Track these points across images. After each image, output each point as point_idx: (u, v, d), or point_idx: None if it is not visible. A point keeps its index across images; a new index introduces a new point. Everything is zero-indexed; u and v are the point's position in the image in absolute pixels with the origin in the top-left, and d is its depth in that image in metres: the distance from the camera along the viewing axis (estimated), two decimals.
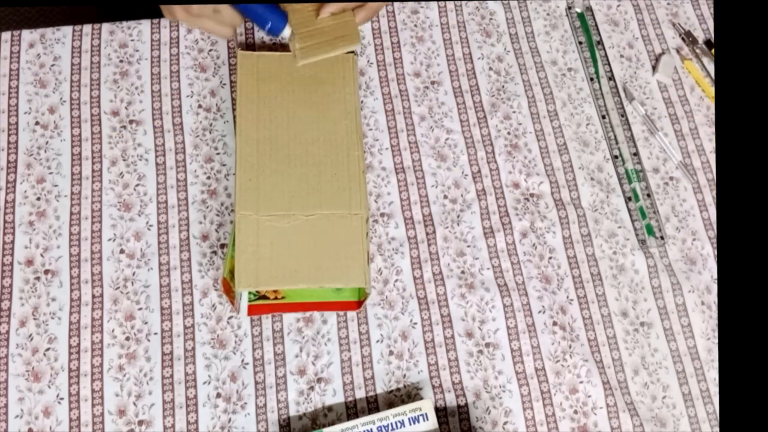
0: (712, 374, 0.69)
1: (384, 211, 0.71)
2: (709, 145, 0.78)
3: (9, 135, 0.71)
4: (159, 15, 0.77)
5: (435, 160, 0.74)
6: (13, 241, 0.68)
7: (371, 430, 0.61)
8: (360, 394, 0.65)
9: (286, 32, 0.66)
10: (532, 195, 0.73)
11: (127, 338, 0.65)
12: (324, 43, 0.68)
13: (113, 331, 0.65)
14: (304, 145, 0.68)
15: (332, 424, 0.63)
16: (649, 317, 0.70)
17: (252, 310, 0.67)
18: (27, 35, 0.75)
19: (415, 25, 0.79)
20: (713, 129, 0.78)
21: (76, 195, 0.69)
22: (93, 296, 0.66)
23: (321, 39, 0.69)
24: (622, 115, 0.78)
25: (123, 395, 0.63)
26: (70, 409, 0.63)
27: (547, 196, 0.73)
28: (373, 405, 0.65)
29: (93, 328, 0.65)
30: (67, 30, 0.76)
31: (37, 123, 0.72)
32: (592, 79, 0.79)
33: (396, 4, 0.80)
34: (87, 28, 0.76)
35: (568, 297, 0.70)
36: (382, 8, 0.73)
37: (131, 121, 0.73)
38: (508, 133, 0.76)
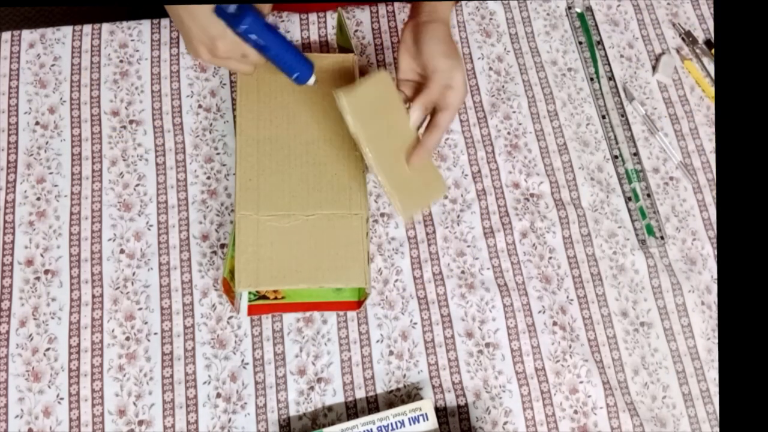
0: (712, 374, 0.69)
1: (384, 211, 0.71)
2: (709, 145, 0.78)
3: (9, 135, 0.71)
4: (159, 15, 0.77)
5: (435, 160, 0.74)
6: (13, 241, 0.68)
7: (371, 430, 0.61)
8: (360, 394, 0.65)
9: (311, 81, 0.66)
10: (532, 195, 0.73)
11: (127, 338, 0.65)
12: (421, 198, 0.66)
13: (113, 331, 0.65)
14: (304, 145, 0.68)
15: (332, 424, 0.63)
16: (649, 317, 0.70)
17: (252, 310, 0.67)
18: (27, 35, 0.75)
19: None
20: (713, 129, 0.78)
21: (76, 195, 0.70)
22: (93, 296, 0.66)
23: (415, 190, 0.64)
24: (622, 115, 0.78)
25: (123, 395, 0.64)
26: (70, 409, 0.63)
27: (547, 196, 0.73)
28: (373, 405, 0.65)
29: (93, 328, 0.65)
30: (67, 30, 0.76)
31: (37, 123, 0.72)
32: (592, 79, 0.79)
33: (396, 4, 0.80)
34: (87, 28, 0.76)
35: (568, 297, 0.70)
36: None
37: (131, 121, 0.73)
38: (508, 133, 0.76)
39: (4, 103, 0.72)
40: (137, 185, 0.70)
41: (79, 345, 0.65)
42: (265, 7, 0.64)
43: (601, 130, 0.77)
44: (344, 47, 0.75)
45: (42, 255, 0.67)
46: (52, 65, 0.74)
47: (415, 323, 0.68)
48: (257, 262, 0.63)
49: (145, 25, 0.77)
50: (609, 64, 0.80)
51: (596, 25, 0.82)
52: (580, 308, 0.70)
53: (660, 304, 0.70)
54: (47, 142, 0.71)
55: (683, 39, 0.82)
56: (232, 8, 0.59)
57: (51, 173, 0.70)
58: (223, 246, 0.69)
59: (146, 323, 0.66)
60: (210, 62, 0.64)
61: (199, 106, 0.74)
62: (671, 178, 0.76)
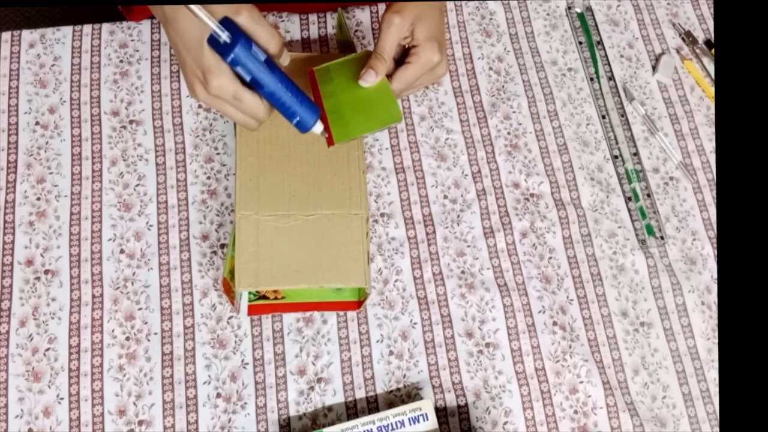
0: (712, 374, 0.69)
1: (384, 211, 0.71)
2: (709, 145, 0.78)
3: (9, 135, 0.71)
4: None
5: (435, 160, 0.74)
6: (13, 241, 0.68)
7: (371, 430, 0.61)
8: (360, 394, 0.65)
9: (317, 128, 0.58)
10: (532, 195, 0.73)
11: (127, 338, 0.65)
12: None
13: (113, 331, 0.65)
14: (304, 145, 0.68)
15: (332, 424, 0.63)
16: (649, 317, 0.70)
17: (252, 310, 0.67)
18: (27, 35, 0.75)
19: None
20: (713, 129, 0.78)
21: (76, 195, 0.70)
22: (93, 296, 0.66)
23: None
24: (622, 115, 0.78)
25: (123, 395, 0.63)
26: (70, 409, 0.63)
27: (547, 196, 0.73)
28: (373, 405, 0.65)
29: (93, 328, 0.65)
30: (67, 30, 0.76)
31: (37, 123, 0.72)
32: (592, 79, 0.79)
33: None
34: (87, 28, 0.76)
35: (568, 297, 0.70)
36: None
37: (131, 121, 0.73)
38: (508, 133, 0.76)
39: (4, 103, 0.72)
40: (137, 185, 0.70)
41: (79, 345, 0.65)
42: (279, 49, 0.56)
43: (601, 130, 0.77)
44: (343, 42, 0.75)
45: (42, 255, 0.67)
46: (52, 65, 0.74)
47: (415, 323, 0.68)
48: (257, 262, 0.63)
49: (145, 25, 0.77)
50: (609, 64, 0.80)
51: (596, 25, 0.82)
52: (580, 308, 0.70)
53: (660, 304, 0.70)
54: (47, 142, 0.71)
55: (683, 39, 0.82)
56: (225, 37, 0.52)
57: (51, 173, 0.70)
58: (223, 246, 0.69)
59: (146, 323, 0.66)
60: (206, 102, 0.57)
61: (199, 106, 0.74)
62: (671, 178, 0.76)
